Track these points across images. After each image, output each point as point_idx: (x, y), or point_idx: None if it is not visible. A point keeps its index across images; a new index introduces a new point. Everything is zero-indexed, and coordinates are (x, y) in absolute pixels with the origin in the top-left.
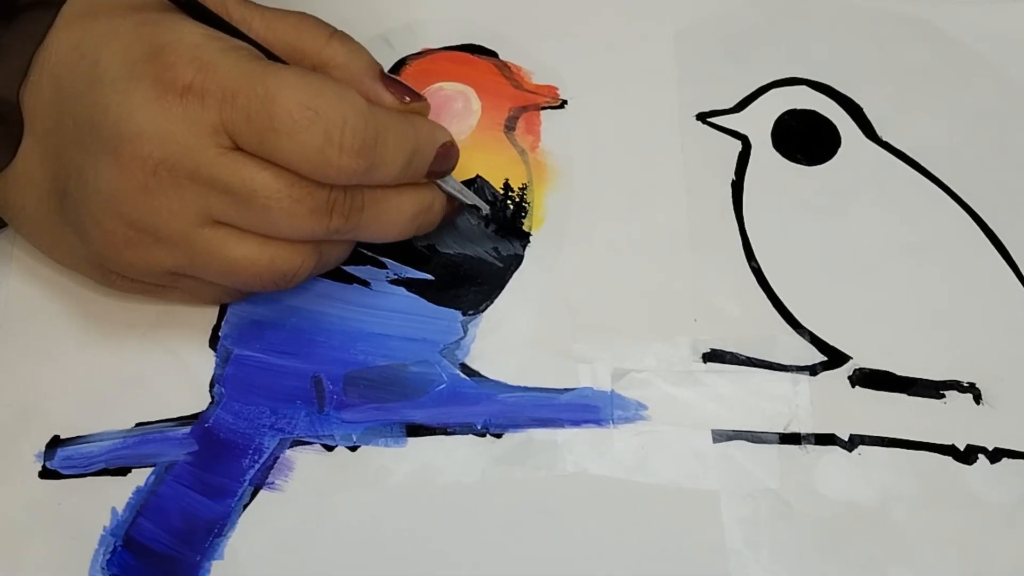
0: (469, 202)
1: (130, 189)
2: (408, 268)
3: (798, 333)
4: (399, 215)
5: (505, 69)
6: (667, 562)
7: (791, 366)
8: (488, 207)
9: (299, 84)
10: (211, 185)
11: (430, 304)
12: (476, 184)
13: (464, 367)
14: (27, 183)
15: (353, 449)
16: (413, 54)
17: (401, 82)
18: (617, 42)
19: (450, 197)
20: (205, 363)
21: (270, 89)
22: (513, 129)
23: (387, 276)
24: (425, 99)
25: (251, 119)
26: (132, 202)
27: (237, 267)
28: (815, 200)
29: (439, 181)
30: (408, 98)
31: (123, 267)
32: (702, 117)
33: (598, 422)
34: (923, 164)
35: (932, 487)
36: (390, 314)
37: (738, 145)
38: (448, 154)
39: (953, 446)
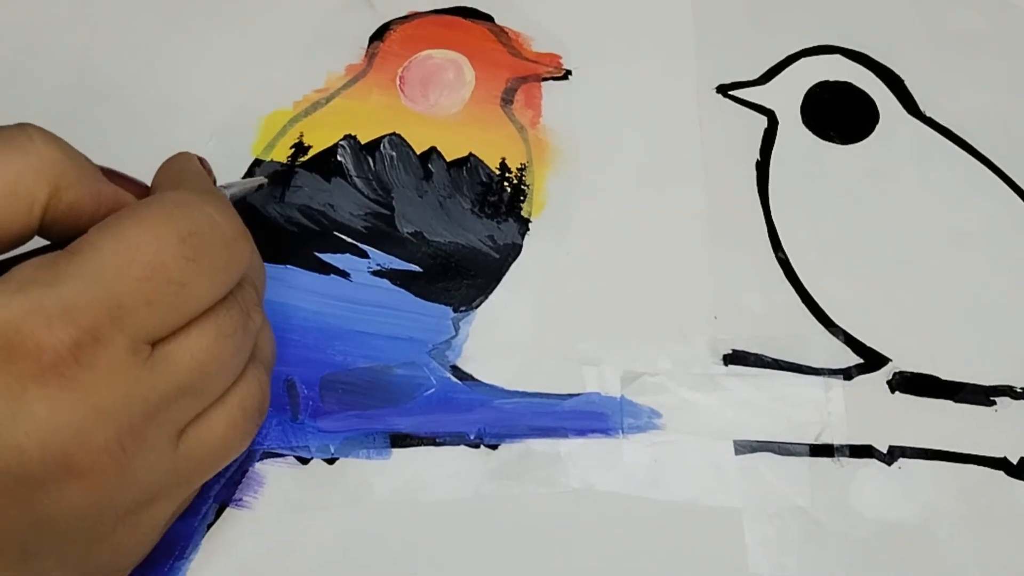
0: (253, 188)
1: (105, 490)
2: (393, 258)
3: (830, 332)
4: (256, 253)
5: (502, 35)
6: None
7: (823, 369)
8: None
9: (152, 224)
10: (163, 407)
11: (417, 299)
12: (469, 163)
13: (455, 369)
14: None
15: (331, 462)
16: (398, 18)
17: (116, 173)
18: (627, 5)
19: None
20: None
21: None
22: (511, 102)
23: (369, 267)
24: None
25: (153, 305)
26: (118, 498)
27: (226, 445)
28: (850, 183)
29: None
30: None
31: (141, 552)
32: (723, 90)
33: (606, 432)
34: (971, 142)
35: (980, 504)
36: (372, 309)
37: (763, 121)
38: (206, 167)
39: (1004, 459)
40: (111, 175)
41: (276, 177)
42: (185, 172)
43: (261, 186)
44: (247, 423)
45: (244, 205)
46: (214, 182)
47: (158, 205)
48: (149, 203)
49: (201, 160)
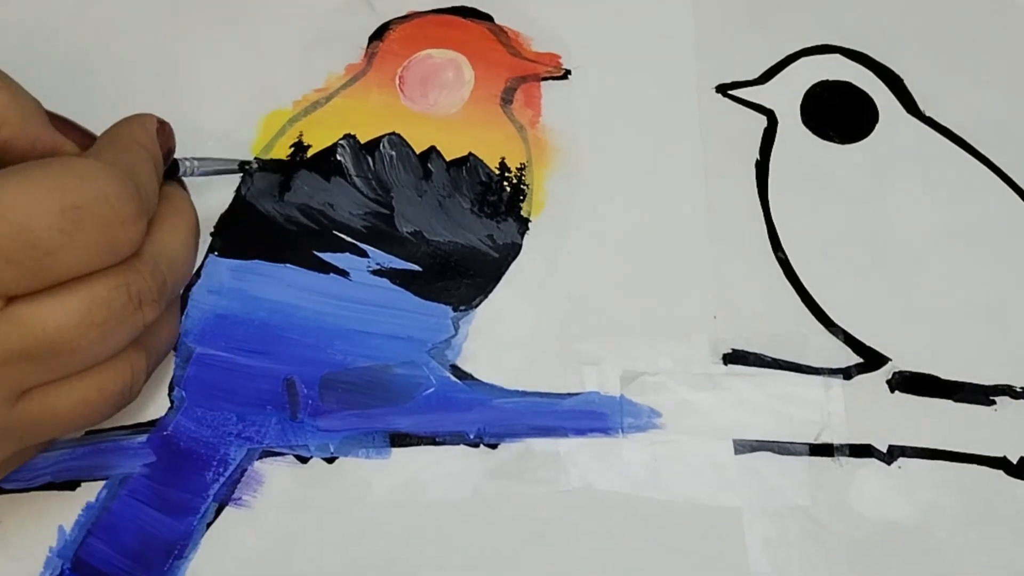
0: (234, 169)
1: None
2: (392, 257)
3: (830, 331)
4: (189, 246)
5: (501, 35)
6: None
7: (822, 368)
8: (252, 165)
9: (36, 188)
10: (3, 362)
11: (417, 298)
12: (469, 162)
13: (455, 369)
14: None
15: (330, 461)
16: (398, 18)
17: (66, 122)
18: (627, 5)
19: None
20: (163, 363)
21: (4, 212)
22: (510, 102)
23: (368, 266)
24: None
25: (12, 260)
26: None
27: (73, 417)
28: (849, 182)
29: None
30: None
31: None
32: (723, 89)
33: (605, 431)
34: (970, 142)
35: (980, 504)
36: (372, 309)
37: (763, 121)
38: (166, 131)
39: (1004, 458)
40: (60, 123)
41: (270, 166)
42: (128, 140)
43: (243, 171)
44: (103, 403)
45: (243, 204)
46: (171, 150)
47: (56, 169)
48: (48, 164)
49: (162, 125)
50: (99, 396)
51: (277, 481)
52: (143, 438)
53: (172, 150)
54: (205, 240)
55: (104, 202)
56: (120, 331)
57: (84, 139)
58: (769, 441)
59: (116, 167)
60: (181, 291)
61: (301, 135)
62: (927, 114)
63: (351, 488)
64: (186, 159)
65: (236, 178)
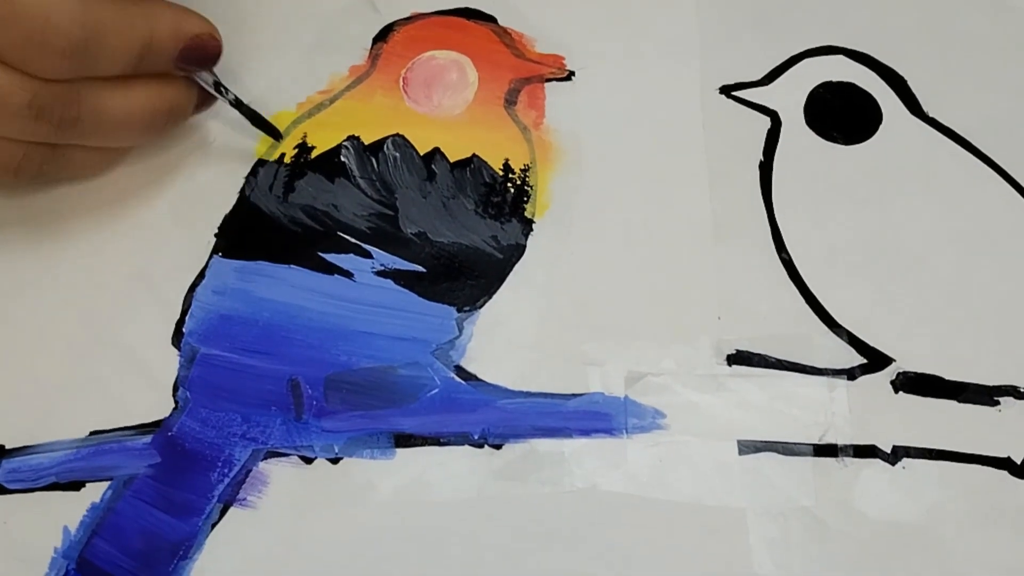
0: (230, 100)
1: None
2: (397, 258)
3: (834, 332)
4: (130, 117)
5: (505, 36)
6: None
7: (827, 369)
8: (231, 96)
9: None
10: None
11: (421, 299)
12: (473, 164)
13: (459, 370)
14: None
15: (335, 462)
16: (402, 19)
17: None
18: (631, 6)
19: (207, 93)
20: (168, 363)
21: None
22: (514, 103)
23: (373, 267)
24: None
25: None
26: None
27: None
28: (853, 184)
29: (196, 76)
30: None
31: None
32: (726, 90)
33: (610, 432)
34: (974, 143)
35: (985, 504)
36: (376, 310)
37: (767, 122)
38: (201, 46)
39: (1008, 459)
40: None
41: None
42: (153, 13)
43: (272, 134)
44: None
45: (248, 206)
46: (206, 58)
47: None
48: None
49: (206, 38)
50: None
51: (282, 482)
52: (148, 439)
53: (207, 59)
54: (209, 241)
55: (42, 21)
56: (15, 123)
57: None
58: (773, 442)
59: (93, 6)
60: (109, 143)
61: (305, 137)
62: (931, 115)
63: (356, 489)
64: (228, 89)
65: (240, 180)
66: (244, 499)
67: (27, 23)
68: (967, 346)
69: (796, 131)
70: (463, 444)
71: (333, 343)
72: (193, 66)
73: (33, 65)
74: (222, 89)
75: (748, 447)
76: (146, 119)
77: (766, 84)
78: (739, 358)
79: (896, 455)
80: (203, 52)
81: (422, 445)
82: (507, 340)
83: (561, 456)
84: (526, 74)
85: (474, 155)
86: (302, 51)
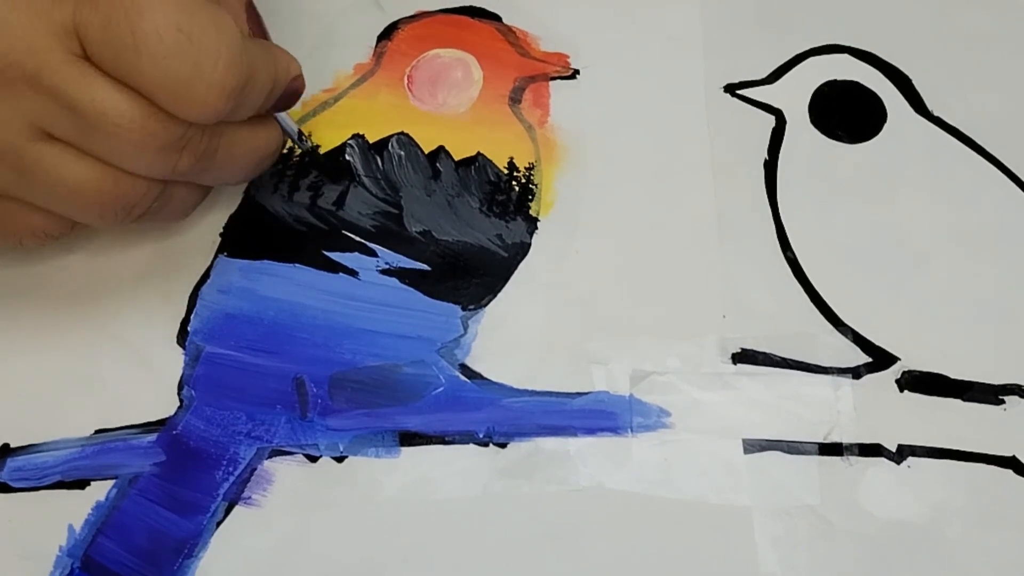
0: (294, 137)
1: None
2: (401, 257)
3: (839, 331)
4: (250, 156)
5: (510, 34)
6: None
7: (832, 368)
8: (308, 145)
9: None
10: (53, 96)
11: (426, 297)
12: (477, 162)
13: (464, 368)
14: None
15: (340, 460)
16: (406, 17)
17: (258, 14)
18: (636, 5)
19: (285, 133)
20: (172, 362)
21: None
22: (519, 102)
23: (377, 265)
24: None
25: (110, 29)
26: None
27: (73, 189)
28: (858, 182)
29: (278, 115)
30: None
31: None
32: (731, 89)
33: (615, 430)
34: (979, 142)
35: (989, 503)
36: (381, 308)
37: (771, 120)
38: (298, 88)
39: (1014, 458)
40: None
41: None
42: (275, 55)
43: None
44: (104, 203)
45: (253, 205)
46: (293, 96)
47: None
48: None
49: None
50: (107, 189)
51: (287, 480)
52: (153, 437)
53: (297, 99)
54: (214, 240)
55: (215, 56)
56: (157, 158)
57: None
58: (778, 440)
59: (250, 46)
60: (223, 180)
61: (310, 135)
62: (935, 114)
63: (361, 487)
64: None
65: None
66: (249, 498)
67: (199, 54)
68: (972, 345)
69: (801, 130)
70: (468, 442)
71: (338, 341)
72: (285, 107)
73: (192, 106)
74: (304, 137)
75: (753, 446)
76: (261, 157)
77: (771, 83)
78: (744, 356)
79: (901, 454)
80: (298, 94)
81: (427, 443)
82: (512, 338)
83: (566, 455)
84: (531, 72)
85: (479, 153)
86: (307, 49)
